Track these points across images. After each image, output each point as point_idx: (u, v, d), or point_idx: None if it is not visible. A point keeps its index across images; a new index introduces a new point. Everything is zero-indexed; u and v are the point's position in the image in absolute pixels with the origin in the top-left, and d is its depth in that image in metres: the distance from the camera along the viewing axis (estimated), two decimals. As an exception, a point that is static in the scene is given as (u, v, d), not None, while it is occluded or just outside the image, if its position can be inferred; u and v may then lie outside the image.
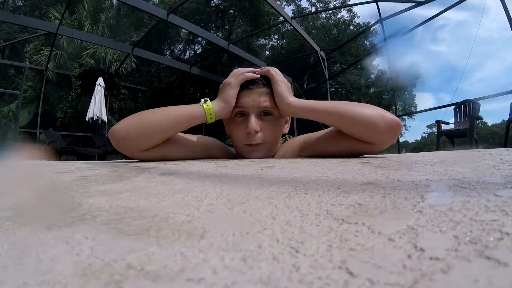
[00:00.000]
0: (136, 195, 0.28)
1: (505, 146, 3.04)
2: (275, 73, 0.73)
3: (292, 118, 0.81)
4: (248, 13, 11.78)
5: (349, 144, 0.66)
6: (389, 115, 0.62)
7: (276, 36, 14.22)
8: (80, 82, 8.23)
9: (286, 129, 0.82)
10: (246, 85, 0.72)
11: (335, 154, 0.68)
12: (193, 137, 0.75)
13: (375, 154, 0.67)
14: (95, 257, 0.15)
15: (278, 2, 10.49)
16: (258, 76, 0.73)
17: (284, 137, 0.92)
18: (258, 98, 0.71)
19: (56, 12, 8.15)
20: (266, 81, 0.73)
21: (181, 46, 13.53)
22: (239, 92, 0.72)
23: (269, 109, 0.71)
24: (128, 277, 0.13)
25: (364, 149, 0.66)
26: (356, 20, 14.77)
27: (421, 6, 5.00)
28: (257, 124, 0.70)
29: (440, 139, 3.74)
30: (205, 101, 0.69)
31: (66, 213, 0.23)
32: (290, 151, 0.77)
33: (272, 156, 0.78)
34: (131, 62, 9.13)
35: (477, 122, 3.41)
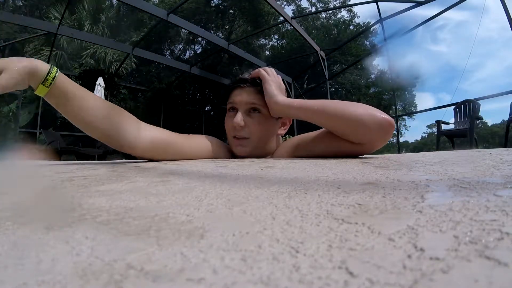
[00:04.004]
0: (136, 195, 0.28)
1: (505, 146, 3.03)
2: (267, 73, 0.75)
3: (293, 120, 0.81)
4: (248, 13, 11.79)
5: (340, 145, 0.64)
6: (379, 114, 0.59)
7: (276, 36, 14.22)
8: (80, 82, 8.22)
9: (282, 131, 0.82)
10: (239, 84, 0.76)
11: (328, 154, 0.67)
12: (198, 140, 0.74)
13: (371, 154, 0.66)
14: (95, 257, 0.15)
15: (278, 2, 10.49)
16: None
17: (284, 137, 0.92)
18: (247, 96, 0.75)
19: (56, 12, 8.15)
20: (260, 81, 0.76)
21: (181, 46, 13.53)
22: (232, 90, 0.77)
23: (256, 106, 0.74)
24: (128, 277, 0.13)
25: (355, 150, 0.63)
26: (356, 20, 14.78)
27: (421, 6, 5.01)
28: (242, 119, 0.73)
29: (440, 139, 3.74)
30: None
31: (66, 213, 0.23)
32: (284, 151, 0.78)
33: (270, 156, 0.79)
34: (131, 62, 9.14)
35: (477, 122, 3.41)
